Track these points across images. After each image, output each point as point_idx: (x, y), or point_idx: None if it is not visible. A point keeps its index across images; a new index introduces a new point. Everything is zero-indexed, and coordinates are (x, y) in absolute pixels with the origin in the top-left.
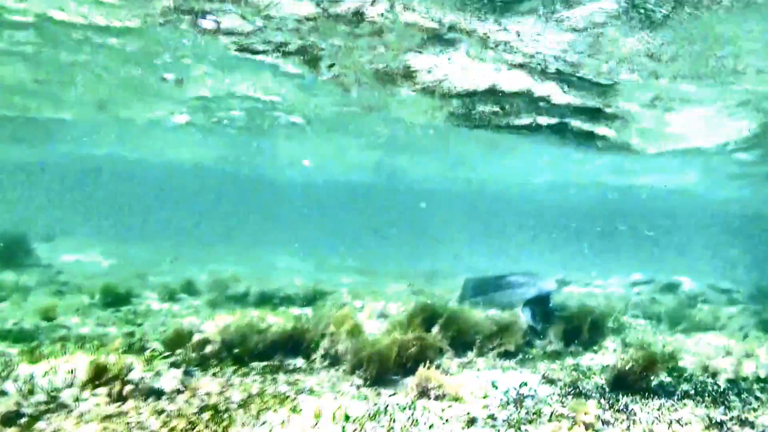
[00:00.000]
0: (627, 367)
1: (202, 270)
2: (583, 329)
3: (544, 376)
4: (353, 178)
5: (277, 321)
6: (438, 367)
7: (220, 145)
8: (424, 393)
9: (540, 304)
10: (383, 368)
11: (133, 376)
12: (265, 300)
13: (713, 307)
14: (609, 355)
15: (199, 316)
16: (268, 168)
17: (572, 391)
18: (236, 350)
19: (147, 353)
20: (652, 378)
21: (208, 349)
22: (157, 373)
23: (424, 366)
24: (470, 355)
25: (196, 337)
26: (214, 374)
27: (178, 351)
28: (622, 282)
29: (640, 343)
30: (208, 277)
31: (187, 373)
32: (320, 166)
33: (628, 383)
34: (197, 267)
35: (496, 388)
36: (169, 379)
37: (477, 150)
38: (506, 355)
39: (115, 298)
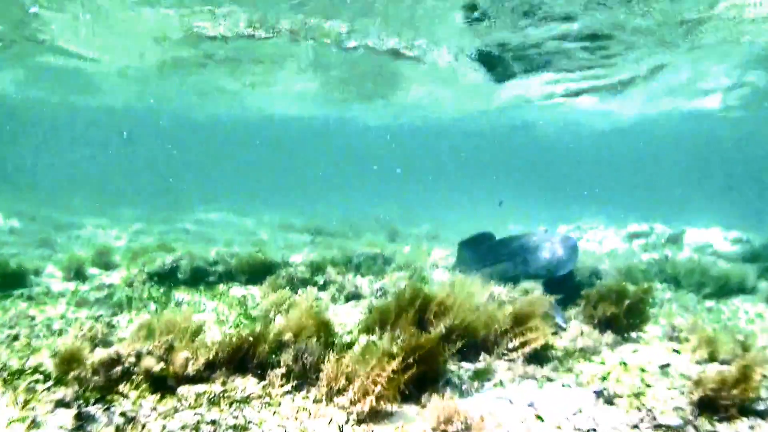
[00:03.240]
0: (717, 383)
1: (124, 230)
2: (618, 312)
3: (597, 393)
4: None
5: (214, 308)
6: (447, 383)
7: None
8: None
9: (563, 278)
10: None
11: None
12: (199, 276)
13: (732, 262)
14: (657, 345)
15: (110, 305)
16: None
17: (647, 417)
18: (158, 369)
19: (26, 383)
20: (748, 392)
21: (119, 368)
22: (34, 424)
23: (439, 392)
24: (485, 359)
25: (99, 354)
26: (123, 414)
27: (74, 373)
28: (617, 234)
29: (692, 325)
30: (128, 244)
31: (83, 418)
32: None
33: (720, 405)
34: (120, 227)
35: (543, 420)
36: (54, 430)
37: None
38: (533, 357)
39: (7, 278)
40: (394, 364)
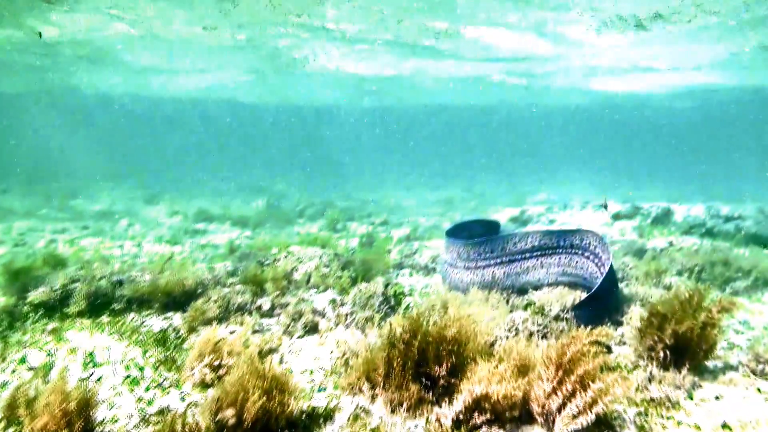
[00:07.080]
0: None
1: (7, 233)
2: (692, 336)
3: None
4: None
5: (122, 355)
6: None
7: None
8: None
9: (605, 293)
10: None
11: None
12: (101, 303)
13: (735, 244)
14: (742, 384)
15: None
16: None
17: None
18: None
19: None
20: None
21: None
22: None
23: None
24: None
25: None
26: None
27: None
28: (595, 214)
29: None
30: (9, 255)
31: None
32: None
33: None
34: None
35: None
36: None
37: None
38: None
39: None
40: None
